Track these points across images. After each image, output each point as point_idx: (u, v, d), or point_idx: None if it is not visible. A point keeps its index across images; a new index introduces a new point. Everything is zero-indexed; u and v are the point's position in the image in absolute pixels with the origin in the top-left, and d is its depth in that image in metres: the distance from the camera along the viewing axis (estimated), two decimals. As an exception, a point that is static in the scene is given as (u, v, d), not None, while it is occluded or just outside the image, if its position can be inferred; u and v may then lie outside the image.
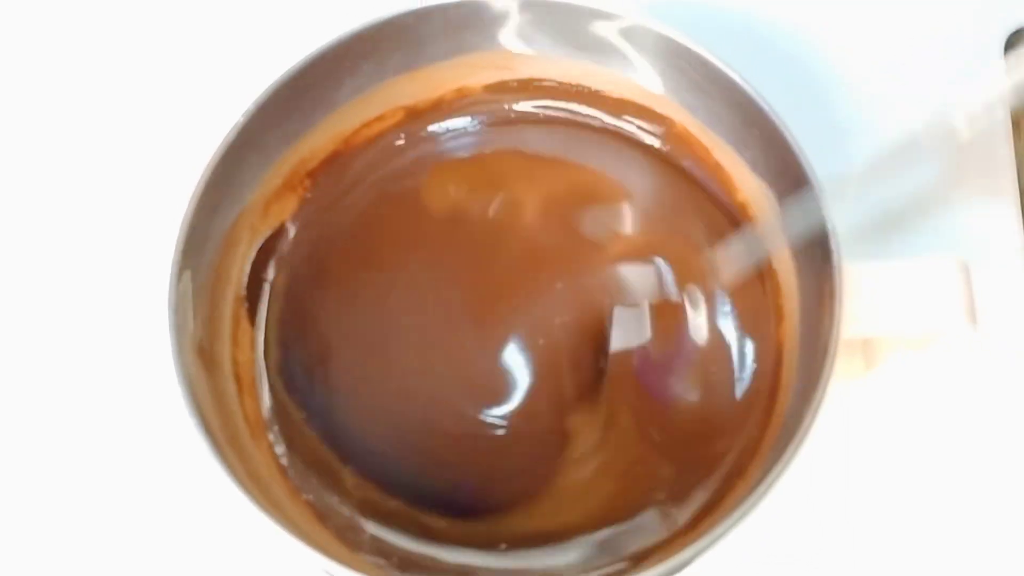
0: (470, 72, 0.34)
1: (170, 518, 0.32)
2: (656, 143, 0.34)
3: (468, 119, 0.35)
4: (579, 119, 0.35)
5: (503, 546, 0.30)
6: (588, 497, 0.31)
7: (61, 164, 0.38)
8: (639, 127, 0.34)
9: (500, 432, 0.31)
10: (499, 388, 0.32)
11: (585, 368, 0.32)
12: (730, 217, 0.33)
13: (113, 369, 0.34)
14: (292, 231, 0.34)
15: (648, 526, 0.30)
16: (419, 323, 0.33)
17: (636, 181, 0.34)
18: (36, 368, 0.35)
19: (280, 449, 0.31)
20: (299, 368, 0.32)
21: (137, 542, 0.32)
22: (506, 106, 0.35)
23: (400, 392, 0.32)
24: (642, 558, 0.29)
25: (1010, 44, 0.39)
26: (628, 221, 0.34)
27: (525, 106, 0.35)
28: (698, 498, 0.30)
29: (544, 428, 0.32)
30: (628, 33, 0.32)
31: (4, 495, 0.33)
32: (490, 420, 0.32)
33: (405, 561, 0.29)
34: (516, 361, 0.32)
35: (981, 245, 0.35)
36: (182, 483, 0.32)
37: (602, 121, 0.35)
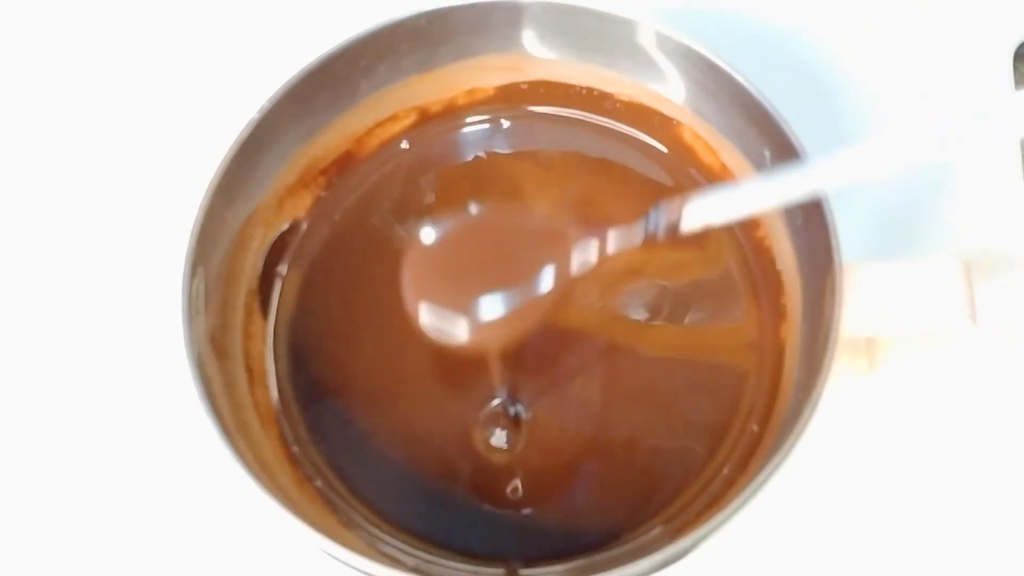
0: (482, 74, 0.35)
1: (181, 504, 0.33)
2: (662, 145, 0.35)
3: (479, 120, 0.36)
4: (589, 121, 0.35)
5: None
6: (590, 516, 0.31)
7: (81, 158, 0.39)
8: (647, 129, 0.35)
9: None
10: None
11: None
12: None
13: (128, 358, 0.35)
14: (306, 228, 0.34)
15: (654, 541, 0.30)
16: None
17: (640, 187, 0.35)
18: (52, 357, 0.35)
19: (291, 438, 0.31)
20: (307, 362, 0.33)
21: (149, 527, 0.33)
22: (517, 108, 0.36)
23: (411, 395, 0.32)
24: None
25: (1019, 55, 0.39)
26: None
27: (535, 108, 0.36)
28: (700, 498, 0.31)
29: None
30: (637, 36, 0.32)
31: (24, 478, 0.34)
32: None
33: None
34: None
35: (983, 245, 0.35)
36: (193, 470, 0.33)
37: (612, 123, 0.35)
